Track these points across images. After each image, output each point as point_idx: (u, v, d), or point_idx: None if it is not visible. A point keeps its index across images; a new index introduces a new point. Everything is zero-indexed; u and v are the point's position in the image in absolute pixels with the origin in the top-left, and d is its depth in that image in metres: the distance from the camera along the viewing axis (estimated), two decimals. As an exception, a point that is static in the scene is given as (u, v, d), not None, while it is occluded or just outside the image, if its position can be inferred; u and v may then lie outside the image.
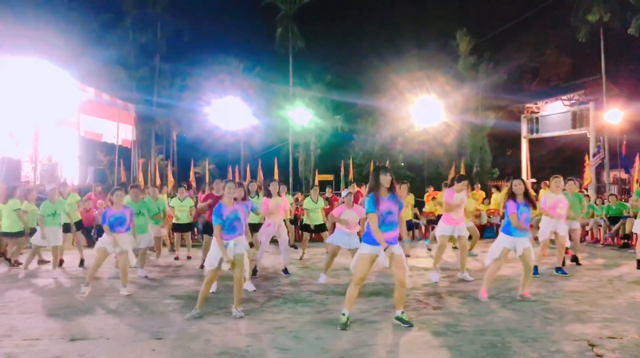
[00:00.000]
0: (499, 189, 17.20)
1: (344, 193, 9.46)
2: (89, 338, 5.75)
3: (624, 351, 5.08)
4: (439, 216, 12.62)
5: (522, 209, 7.23)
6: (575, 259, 10.61)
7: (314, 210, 12.31)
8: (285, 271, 9.77)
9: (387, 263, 5.89)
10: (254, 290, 8.17)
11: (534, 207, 7.31)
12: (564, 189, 10.16)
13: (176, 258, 11.98)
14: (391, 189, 6.02)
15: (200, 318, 6.47)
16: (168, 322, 6.37)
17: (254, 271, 9.54)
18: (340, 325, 5.96)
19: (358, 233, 9.08)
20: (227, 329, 6.04)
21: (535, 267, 9.23)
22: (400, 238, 6.13)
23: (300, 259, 11.95)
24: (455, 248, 11.41)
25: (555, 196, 9.29)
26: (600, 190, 26.27)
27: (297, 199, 17.74)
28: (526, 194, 7.34)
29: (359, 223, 9.11)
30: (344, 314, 6.03)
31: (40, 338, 5.76)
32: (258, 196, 10.11)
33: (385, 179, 5.96)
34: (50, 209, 9.90)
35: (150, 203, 10.62)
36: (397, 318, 6.11)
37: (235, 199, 6.78)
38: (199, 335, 5.80)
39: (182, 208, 12.31)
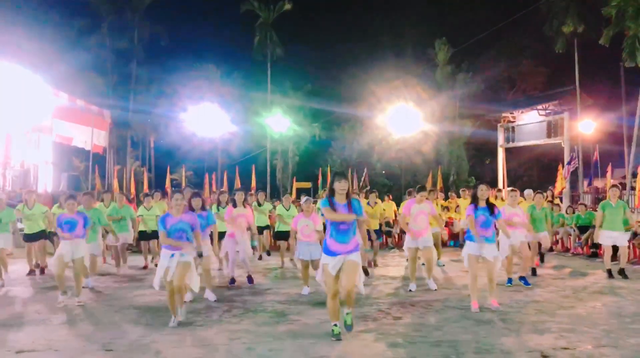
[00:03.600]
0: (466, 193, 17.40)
1: (302, 199, 9.37)
2: (37, 350, 5.60)
3: (575, 362, 5.08)
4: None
5: (480, 212, 7.25)
6: (533, 271, 10.58)
7: (285, 217, 12.27)
8: (249, 279, 9.65)
9: (336, 269, 5.78)
10: (216, 300, 8.04)
11: (492, 213, 7.28)
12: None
13: (144, 267, 11.80)
14: (348, 197, 5.86)
15: (153, 329, 6.35)
16: (120, 334, 6.23)
17: (232, 281, 9.47)
18: (333, 335, 5.84)
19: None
20: (180, 340, 5.93)
21: (510, 278, 9.32)
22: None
23: (281, 268, 11.98)
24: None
25: (511, 209, 9.39)
26: (574, 199, 26.56)
27: (275, 207, 17.48)
28: (488, 200, 7.39)
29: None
30: (335, 325, 5.89)
31: (-14, 351, 5.60)
32: (218, 208, 10.03)
33: (339, 185, 5.83)
34: None
35: (100, 210, 10.44)
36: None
37: (193, 209, 6.71)
38: (150, 347, 5.67)
39: (149, 216, 12.14)
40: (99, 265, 10.81)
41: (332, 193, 5.88)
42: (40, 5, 32.36)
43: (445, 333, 6.13)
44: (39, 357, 5.40)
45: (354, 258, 5.86)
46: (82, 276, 8.05)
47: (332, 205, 5.81)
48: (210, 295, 8.13)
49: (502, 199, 13.70)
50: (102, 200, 11.84)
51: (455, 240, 16.09)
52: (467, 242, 7.46)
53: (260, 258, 13.31)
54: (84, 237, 8.02)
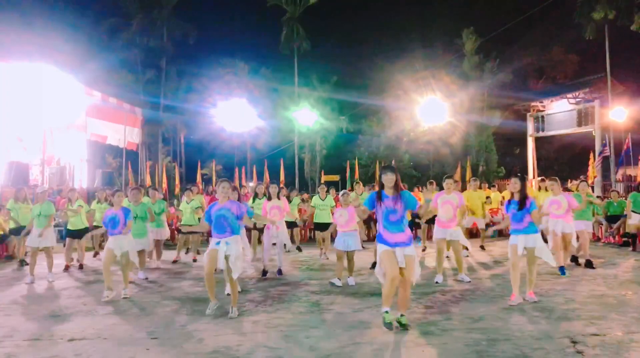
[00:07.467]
0: (496, 187, 17.49)
1: (341, 193, 9.59)
2: (87, 339, 5.93)
3: (604, 347, 5.19)
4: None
5: (512, 206, 7.31)
6: (574, 259, 10.61)
7: (320, 207, 12.48)
8: (279, 272, 9.87)
9: (403, 264, 5.86)
10: (239, 292, 8.22)
11: (521, 206, 7.28)
12: (566, 190, 10.40)
13: (174, 261, 12.04)
14: (396, 188, 6.01)
15: (194, 319, 6.65)
16: (165, 323, 6.55)
17: (264, 273, 9.74)
18: (385, 324, 5.82)
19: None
20: (221, 329, 6.20)
21: (562, 267, 9.32)
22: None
23: (327, 258, 12.16)
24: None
25: (551, 198, 9.39)
26: (606, 188, 26.25)
27: (303, 200, 17.69)
28: (521, 193, 7.39)
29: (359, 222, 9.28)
30: (387, 312, 5.84)
31: (40, 339, 5.95)
32: (255, 200, 10.30)
33: (385, 178, 6.00)
34: (36, 210, 10.18)
35: (148, 205, 10.77)
36: (396, 321, 5.95)
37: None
38: (193, 335, 5.96)
39: (188, 210, 12.37)
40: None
41: (381, 186, 6.07)
42: (71, 7, 33.17)
43: (476, 321, 6.29)
44: (89, 345, 5.71)
45: (412, 253, 5.98)
46: (128, 270, 8.38)
47: (378, 195, 6.00)
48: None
49: (545, 189, 13.59)
50: (147, 194, 12.03)
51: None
52: (512, 235, 7.41)
53: (288, 251, 13.58)
54: (125, 232, 8.30)
